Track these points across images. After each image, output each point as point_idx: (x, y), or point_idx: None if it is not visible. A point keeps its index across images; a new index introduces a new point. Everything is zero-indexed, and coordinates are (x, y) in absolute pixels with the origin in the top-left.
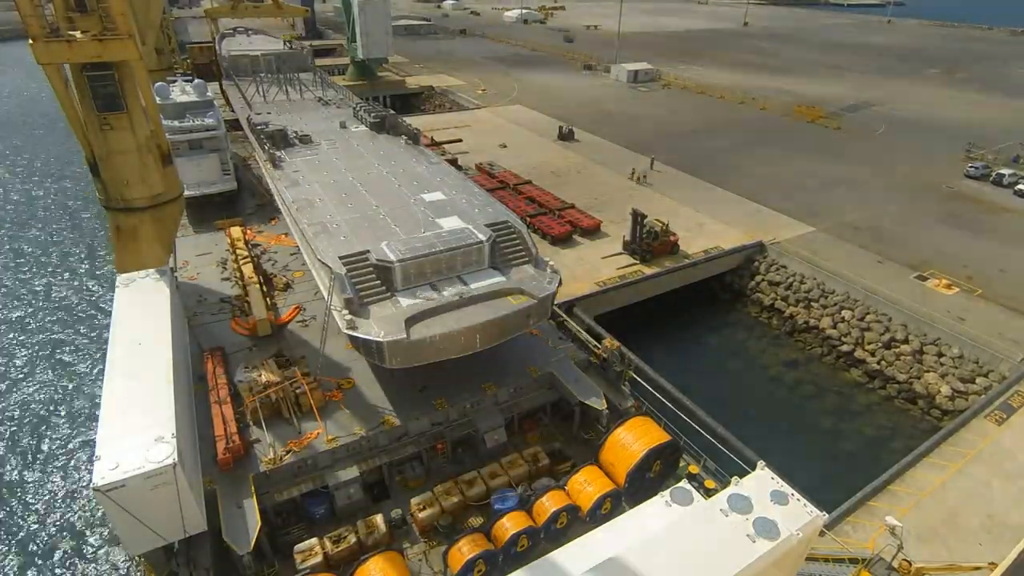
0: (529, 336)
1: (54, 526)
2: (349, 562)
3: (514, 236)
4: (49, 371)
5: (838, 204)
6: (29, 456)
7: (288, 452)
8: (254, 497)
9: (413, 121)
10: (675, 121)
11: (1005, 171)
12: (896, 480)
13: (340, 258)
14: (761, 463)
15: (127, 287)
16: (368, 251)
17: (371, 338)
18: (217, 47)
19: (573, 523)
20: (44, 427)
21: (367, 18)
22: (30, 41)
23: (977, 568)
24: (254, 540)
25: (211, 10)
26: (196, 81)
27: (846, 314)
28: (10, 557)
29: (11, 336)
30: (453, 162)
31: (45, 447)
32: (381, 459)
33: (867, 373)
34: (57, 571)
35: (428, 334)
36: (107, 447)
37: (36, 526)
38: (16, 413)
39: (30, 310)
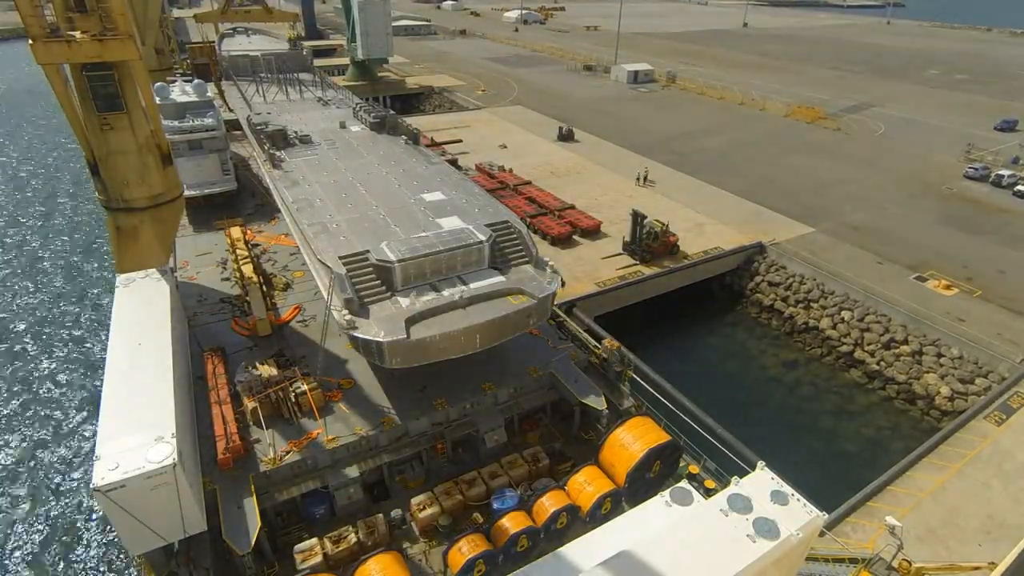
0: (529, 336)
1: (54, 526)
2: (349, 562)
3: (514, 236)
4: (49, 371)
5: (838, 205)
6: (29, 456)
7: (288, 452)
8: (254, 497)
9: (413, 121)
10: (675, 121)
11: (1004, 172)
12: (896, 480)
13: (340, 258)
14: (761, 463)
15: (127, 287)
16: (368, 251)
17: (371, 338)
18: (216, 47)
19: (573, 523)
20: (44, 427)
21: (367, 18)
22: (30, 41)
23: (977, 568)
24: (254, 540)
25: (200, 15)
26: (196, 81)
27: (846, 315)
28: (10, 557)
29: (10, 336)
30: (453, 162)
31: (45, 447)
32: (381, 459)
33: (867, 374)
34: (57, 571)
35: (428, 334)
36: (107, 447)
37: (36, 526)
38: (16, 413)
39: (29, 310)
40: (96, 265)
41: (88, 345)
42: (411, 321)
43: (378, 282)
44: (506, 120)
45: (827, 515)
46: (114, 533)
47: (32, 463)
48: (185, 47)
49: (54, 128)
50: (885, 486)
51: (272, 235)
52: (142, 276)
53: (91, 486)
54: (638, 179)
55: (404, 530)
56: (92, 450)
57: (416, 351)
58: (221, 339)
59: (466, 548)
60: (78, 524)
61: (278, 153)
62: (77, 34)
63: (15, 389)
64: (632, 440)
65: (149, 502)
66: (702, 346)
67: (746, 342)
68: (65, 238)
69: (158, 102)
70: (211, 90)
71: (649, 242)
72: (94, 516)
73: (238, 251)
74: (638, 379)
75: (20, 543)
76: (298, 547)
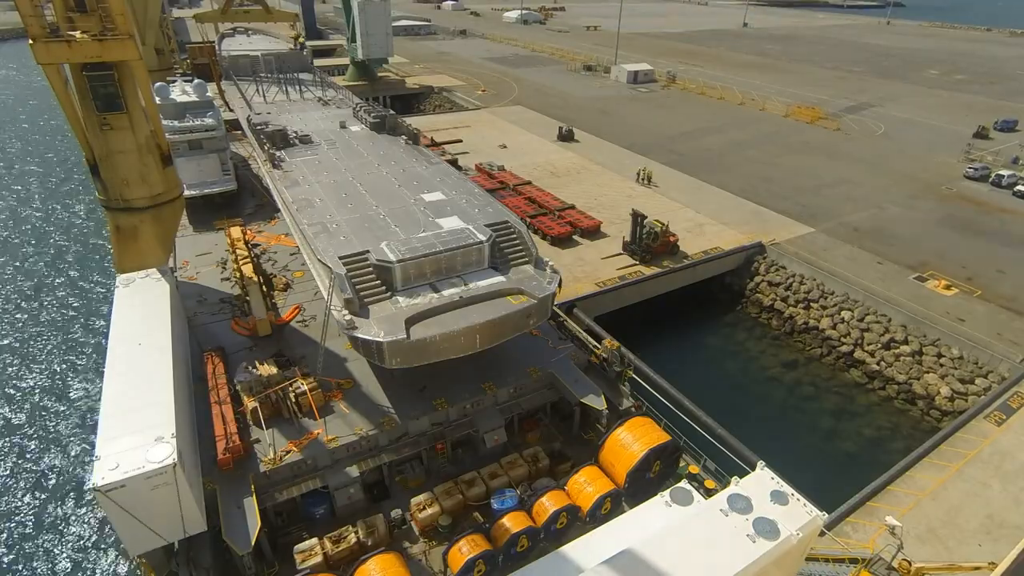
0: (529, 336)
1: (54, 526)
2: (349, 562)
3: (514, 236)
4: (49, 371)
5: (837, 205)
6: (29, 456)
7: (288, 452)
8: (254, 497)
9: (413, 121)
10: (675, 122)
11: (1004, 172)
12: (896, 480)
13: (340, 258)
14: (761, 463)
15: (127, 287)
16: (368, 251)
17: (371, 338)
18: (216, 47)
19: (573, 523)
20: (44, 427)
21: (367, 18)
22: (30, 41)
23: (977, 568)
24: (254, 540)
25: (200, 15)
26: (196, 81)
27: (846, 315)
28: (10, 558)
29: (10, 337)
30: (453, 162)
31: (45, 447)
32: (381, 459)
33: (867, 374)
34: (57, 571)
35: (428, 334)
36: (107, 447)
37: (36, 527)
38: (16, 413)
39: (30, 311)
40: (96, 264)
41: (88, 345)
42: (411, 321)
43: (378, 282)
44: (506, 120)
45: (827, 515)
46: (114, 533)
47: (32, 463)
48: (185, 47)
49: (56, 125)
50: (885, 486)
51: (272, 235)
52: (142, 276)
53: (91, 486)
54: (639, 178)
55: (404, 530)
56: (92, 450)
57: (416, 351)
58: (221, 339)
59: (466, 548)
60: (78, 524)
61: (278, 153)
62: (77, 34)
63: (15, 389)
64: (632, 440)
65: (149, 502)
66: (702, 346)
67: (746, 342)
68: (65, 237)
69: (158, 102)
70: (211, 90)
71: (649, 242)
72: (94, 516)
73: (238, 251)
74: (638, 379)
75: (20, 543)
76: (298, 547)
